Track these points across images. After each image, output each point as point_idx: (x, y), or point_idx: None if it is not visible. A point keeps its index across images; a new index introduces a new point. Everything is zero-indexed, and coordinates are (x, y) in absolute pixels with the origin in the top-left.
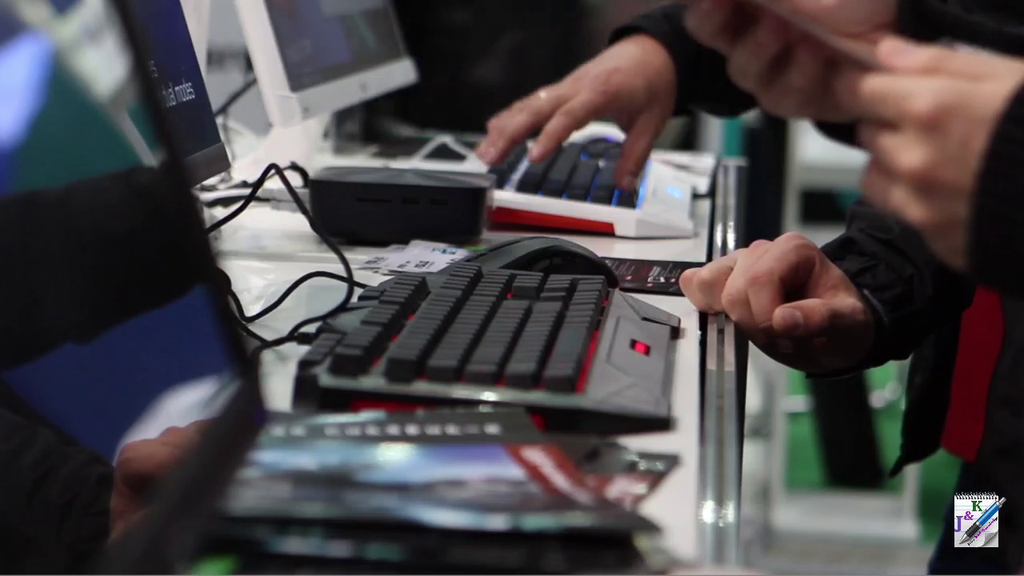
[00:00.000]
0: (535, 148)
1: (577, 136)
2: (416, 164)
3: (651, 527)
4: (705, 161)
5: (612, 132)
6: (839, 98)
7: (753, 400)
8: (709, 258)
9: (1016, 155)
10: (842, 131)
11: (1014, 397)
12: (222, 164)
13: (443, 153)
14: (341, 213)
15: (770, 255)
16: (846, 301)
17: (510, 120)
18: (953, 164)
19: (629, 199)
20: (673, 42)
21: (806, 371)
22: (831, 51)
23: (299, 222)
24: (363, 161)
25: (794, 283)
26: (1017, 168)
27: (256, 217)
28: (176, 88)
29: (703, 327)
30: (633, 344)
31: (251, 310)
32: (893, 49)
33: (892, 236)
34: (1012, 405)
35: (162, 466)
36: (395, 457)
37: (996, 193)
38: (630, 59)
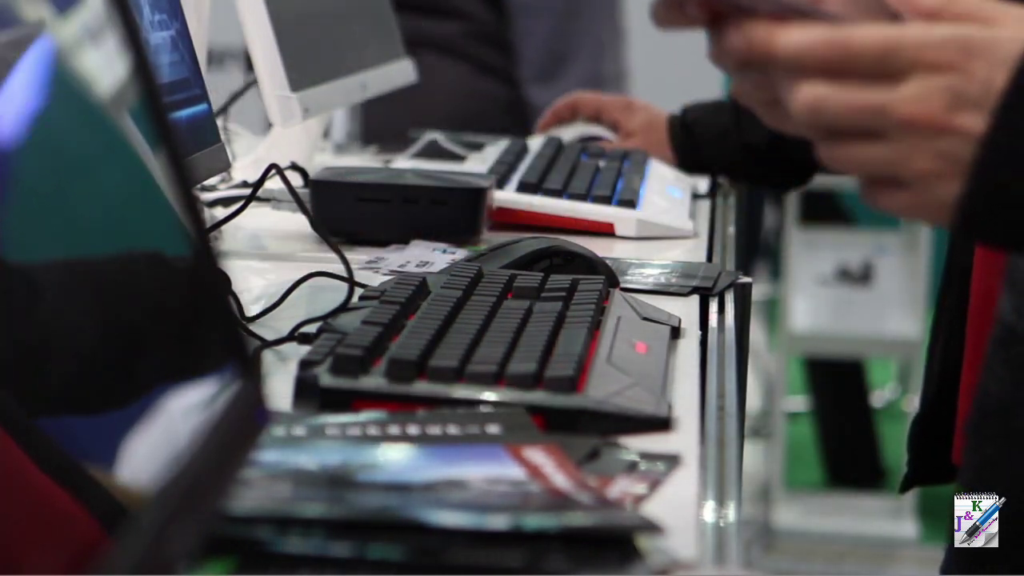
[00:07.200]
0: None
1: (572, 136)
2: (415, 164)
3: (651, 527)
4: None
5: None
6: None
7: (753, 400)
8: (709, 258)
9: None
10: None
11: None
12: (222, 164)
13: (435, 151)
14: (341, 213)
15: None
16: None
17: None
18: (972, 107)
19: (629, 199)
20: None
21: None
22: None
23: (299, 222)
24: (363, 161)
25: None
26: None
27: (256, 217)
28: (176, 88)
29: (703, 327)
30: (633, 344)
31: (251, 310)
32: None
33: None
34: None
35: None
36: (396, 457)
37: (1012, 127)
38: None
